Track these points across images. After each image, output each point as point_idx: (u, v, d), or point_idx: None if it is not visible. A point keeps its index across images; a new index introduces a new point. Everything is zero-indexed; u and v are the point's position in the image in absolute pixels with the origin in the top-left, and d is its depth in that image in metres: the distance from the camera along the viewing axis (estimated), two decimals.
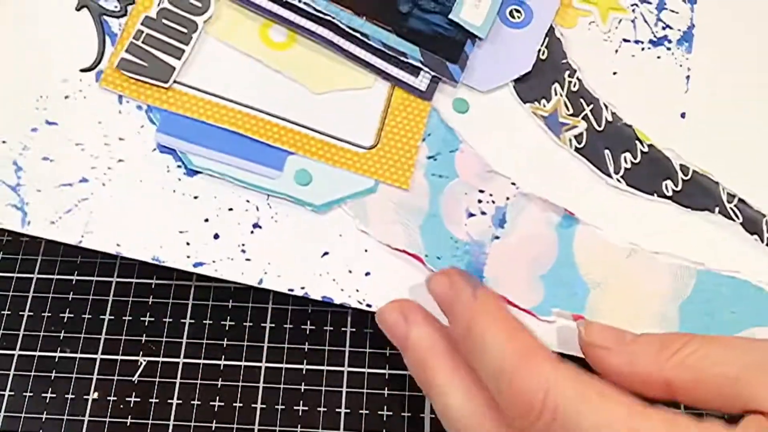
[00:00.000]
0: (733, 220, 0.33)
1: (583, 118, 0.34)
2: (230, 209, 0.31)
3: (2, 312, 0.35)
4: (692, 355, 0.25)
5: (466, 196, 0.32)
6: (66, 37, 0.33)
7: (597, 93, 0.35)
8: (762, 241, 0.33)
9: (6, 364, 0.34)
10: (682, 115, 0.35)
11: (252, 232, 0.31)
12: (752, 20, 0.38)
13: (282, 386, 0.34)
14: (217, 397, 0.33)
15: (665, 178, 0.34)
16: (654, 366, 0.25)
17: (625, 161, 0.34)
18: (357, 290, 0.31)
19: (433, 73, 0.34)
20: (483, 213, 0.32)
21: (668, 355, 0.25)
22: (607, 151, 0.34)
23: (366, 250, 0.31)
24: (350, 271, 0.31)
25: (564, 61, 0.36)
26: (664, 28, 0.37)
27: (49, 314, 0.35)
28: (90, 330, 0.35)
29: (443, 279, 0.28)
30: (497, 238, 0.32)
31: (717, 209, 0.33)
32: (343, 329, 0.35)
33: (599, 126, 0.34)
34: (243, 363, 0.34)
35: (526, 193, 0.33)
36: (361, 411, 0.33)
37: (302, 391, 0.34)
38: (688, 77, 0.36)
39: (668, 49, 0.37)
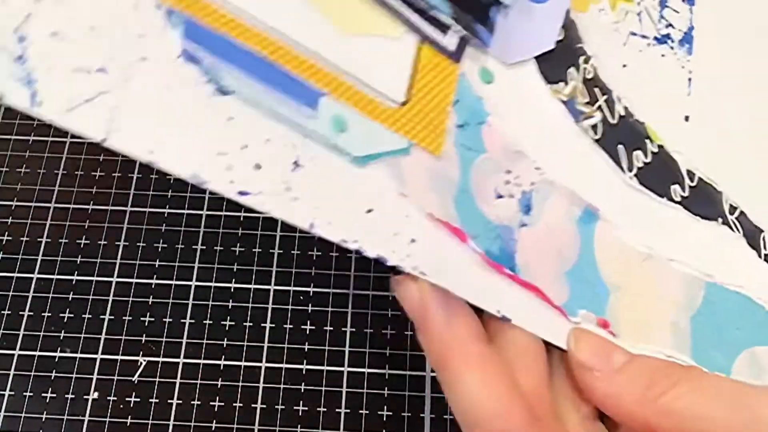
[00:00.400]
0: (737, 233, 0.32)
1: (598, 109, 0.33)
2: (267, 140, 0.28)
3: (2, 312, 0.35)
4: (678, 401, 0.24)
5: (495, 176, 0.31)
6: None
7: (610, 84, 0.34)
8: (760, 256, 0.32)
9: (6, 364, 0.34)
10: (686, 119, 0.34)
11: (293, 170, 0.28)
12: (752, 23, 0.37)
13: (282, 386, 0.34)
14: (217, 397, 0.33)
15: (674, 182, 0.33)
16: (638, 406, 0.24)
17: (638, 160, 0.32)
18: (408, 255, 0.28)
19: (462, 33, 0.32)
20: (511, 196, 0.30)
21: (654, 396, 0.24)
22: (620, 147, 0.32)
23: (407, 216, 0.29)
24: (395, 234, 0.28)
25: (579, 45, 0.34)
26: (667, 26, 0.36)
27: (49, 314, 0.35)
28: (90, 330, 0.35)
29: (413, 288, 0.26)
30: (524, 225, 0.30)
31: (721, 220, 0.32)
32: (343, 329, 0.35)
33: (613, 119, 0.33)
34: (243, 363, 0.34)
35: (552, 181, 0.31)
36: (361, 411, 0.33)
37: (302, 391, 0.34)
38: (689, 80, 0.35)
39: (671, 48, 0.35)
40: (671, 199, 0.32)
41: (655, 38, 0.35)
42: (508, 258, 0.30)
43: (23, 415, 0.33)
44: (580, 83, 0.33)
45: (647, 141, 0.33)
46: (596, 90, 0.33)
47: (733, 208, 0.33)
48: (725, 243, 0.32)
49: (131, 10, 0.29)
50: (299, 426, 0.33)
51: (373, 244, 0.29)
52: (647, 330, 0.29)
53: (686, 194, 0.32)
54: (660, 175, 0.33)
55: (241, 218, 0.37)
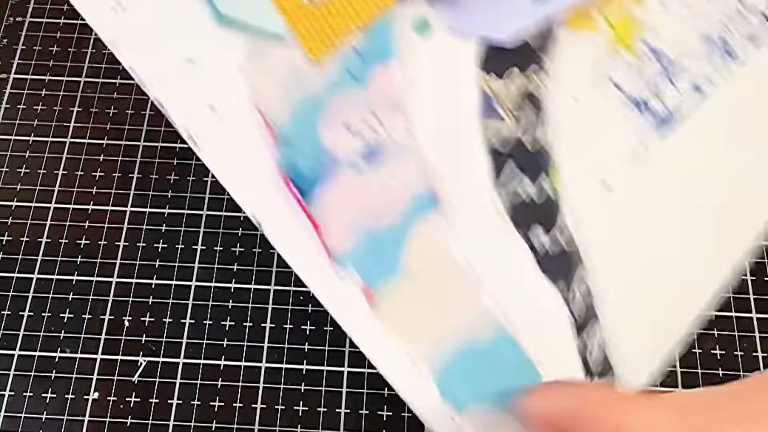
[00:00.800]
0: (568, 312, 0.29)
1: (515, 120, 0.31)
2: None
3: (2, 312, 0.35)
4: None
5: (356, 110, 0.29)
6: None
7: (549, 110, 0.31)
8: (578, 350, 0.29)
9: (6, 364, 0.34)
10: (604, 185, 0.31)
11: None
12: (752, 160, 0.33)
13: (282, 386, 0.34)
14: (217, 397, 0.33)
15: (544, 227, 0.30)
16: None
17: (522, 186, 0.30)
18: (199, 122, 0.28)
19: None
20: (358, 135, 0.29)
21: None
22: (511, 162, 0.30)
23: (230, 92, 0.29)
24: (208, 105, 0.28)
25: (540, 55, 0.32)
26: (654, 95, 0.33)
27: (49, 314, 0.35)
28: (90, 330, 0.35)
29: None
30: (355, 167, 0.29)
31: (562, 293, 0.29)
32: (343, 329, 0.35)
33: (525, 137, 0.31)
34: (243, 363, 0.34)
35: (416, 149, 0.30)
36: (361, 411, 0.33)
37: (302, 391, 0.34)
38: (637, 154, 0.32)
39: (641, 116, 0.32)
40: (528, 240, 0.30)
41: (632, 98, 0.32)
42: (308, 181, 0.28)
43: (23, 415, 0.33)
44: (514, 88, 0.32)
45: (543, 176, 0.31)
46: (528, 104, 0.32)
47: (583, 288, 0.29)
48: (551, 313, 0.29)
49: None
50: (299, 426, 0.33)
51: (177, 101, 0.28)
52: (410, 327, 0.28)
53: (547, 245, 0.30)
54: (533, 214, 0.30)
55: (241, 218, 0.37)
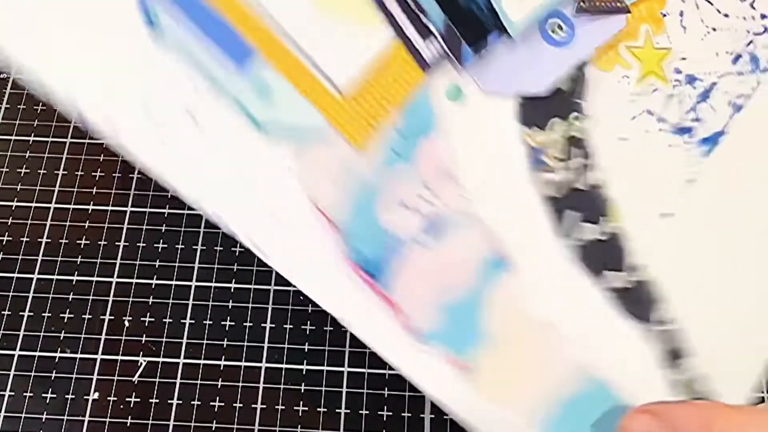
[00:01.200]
0: (654, 346, 0.29)
1: (566, 168, 0.31)
2: (171, 81, 0.29)
3: (2, 312, 0.35)
4: None
5: (408, 186, 0.30)
6: None
7: (596, 151, 0.32)
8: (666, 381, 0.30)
9: (6, 364, 0.34)
10: (662, 216, 0.31)
11: (193, 126, 0.29)
12: None
13: (282, 386, 0.34)
14: (217, 397, 0.33)
15: (614, 269, 0.30)
16: None
17: (585, 232, 0.30)
18: (265, 232, 0.28)
19: (443, 46, 0.31)
20: (416, 210, 0.30)
21: None
22: (570, 212, 0.30)
23: (291, 199, 0.29)
24: (271, 213, 0.29)
25: (578, 101, 0.32)
26: (694, 120, 0.33)
27: (49, 314, 0.35)
28: (90, 330, 0.35)
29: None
30: (420, 243, 0.29)
31: (646, 327, 0.29)
32: (343, 329, 0.35)
33: (580, 184, 0.31)
34: (243, 363, 0.34)
35: (475, 214, 0.30)
36: (361, 411, 0.33)
37: (302, 391, 0.34)
38: (691, 181, 0.32)
39: (686, 142, 0.32)
40: (602, 283, 0.30)
41: (675, 126, 0.33)
42: (377, 266, 0.29)
43: (23, 415, 0.33)
44: (559, 136, 0.32)
45: (604, 218, 0.31)
46: (576, 150, 0.32)
47: (666, 321, 0.30)
48: (639, 352, 0.29)
49: None
50: (299, 426, 0.33)
51: (236, 213, 0.28)
52: (508, 392, 0.28)
53: (620, 286, 0.30)
54: (602, 256, 0.30)
55: None
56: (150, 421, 0.33)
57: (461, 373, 0.28)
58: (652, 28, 0.33)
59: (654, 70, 0.33)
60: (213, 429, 0.33)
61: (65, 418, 0.33)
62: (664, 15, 0.34)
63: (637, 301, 0.30)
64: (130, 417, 0.33)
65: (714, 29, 0.34)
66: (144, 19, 0.29)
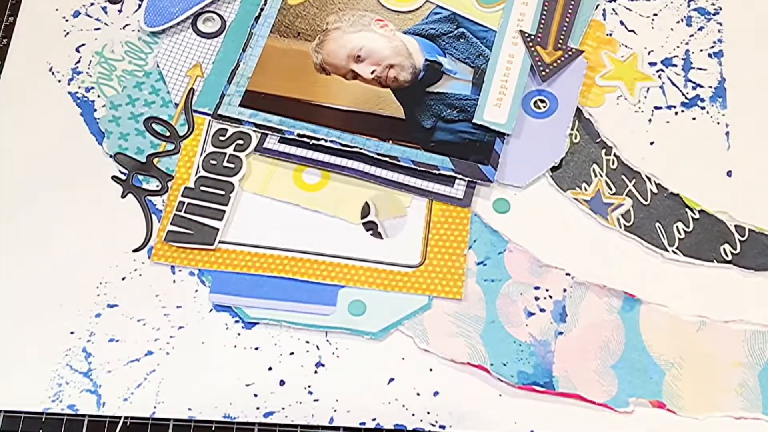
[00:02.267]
0: None
1: (627, 195, 0.33)
2: (291, 353, 0.32)
3: None
4: None
5: (522, 296, 0.32)
6: (116, 223, 0.34)
7: (637, 166, 0.34)
8: None
9: None
10: (729, 174, 0.33)
11: (316, 372, 0.32)
12: None
13: None
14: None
15: (723, 242, 0.32)
16: None
17: (678, 231, 0.32)
18: (428, 412, 0.31)
19: (467, 179, 0.34)
20: (542, 310, 0.32)
21: None
22: (657, 225, 0.32)
23: (431, 369, 0.31)
24: (418, 394, 0.31)
25: (598, 140, 0.35)
26: (694, 88, 0.35)
27: None
28: None
29: None
30: (561, 333, 0.31)
31: None
32: None
33: (645, 200, 0.33)
34: None
35: (583, 282, 0.32)
36: None
37: None
38: (727, 133, 0.34)
39: (702, 108, 0.35)
40: (721, 260, 0.31)
41: (683, 104, 0.35)
42: (543, 373, 0.31)
43: (23, 415, 0.32)
44: (604, 177, 0.34)
45: (686, 210, 0.33)
46: (623, 177, 0.34)
47: None
48: None
49: (170, 284, 0.34)
50: (299, 426, 0.32)
51: (392, 415, 0.30)
52: (712, 398, 0.29)
53: (737, 251, 0.31)
54: (705, 240, 0.32)
55: None
56: (150, 422, 0.32)
57: (666, 409, 0.29)
58: (608, 49, 0.37)
59: (635, 77, 0.36)
60: (213, 429, 0.32)
61: (65, 418, 0.32)
62: (610, 34, 0.37)
63: (752, 256, 0.32)
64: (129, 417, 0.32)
65: (655, 14, 0.38)
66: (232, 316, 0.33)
